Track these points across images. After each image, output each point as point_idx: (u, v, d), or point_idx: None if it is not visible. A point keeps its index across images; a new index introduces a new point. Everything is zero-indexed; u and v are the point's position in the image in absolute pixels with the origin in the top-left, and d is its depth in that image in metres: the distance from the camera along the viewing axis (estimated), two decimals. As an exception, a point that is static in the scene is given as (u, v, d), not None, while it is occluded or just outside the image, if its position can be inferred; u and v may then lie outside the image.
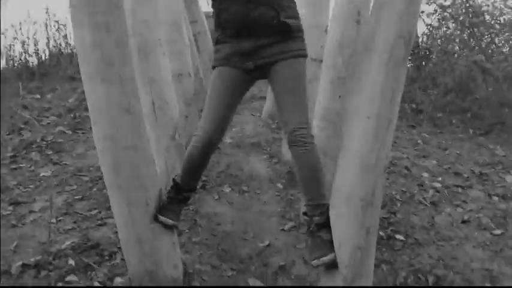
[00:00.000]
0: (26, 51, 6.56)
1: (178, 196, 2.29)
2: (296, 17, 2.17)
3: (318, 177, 2.10)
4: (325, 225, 2.05)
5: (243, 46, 2.11)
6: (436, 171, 4.00)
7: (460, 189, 3.67)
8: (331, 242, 2.01)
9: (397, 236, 2.98)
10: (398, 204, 3.38)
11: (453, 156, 4.41)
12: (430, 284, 2.54)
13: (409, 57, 1.98)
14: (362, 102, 1.91)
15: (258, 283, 2.48)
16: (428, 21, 7.41)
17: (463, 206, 3.41)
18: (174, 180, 2.31)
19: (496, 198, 3.51)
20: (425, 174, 3.92)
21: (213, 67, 2.22)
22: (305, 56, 2.19)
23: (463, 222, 3.18)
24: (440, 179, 3.84)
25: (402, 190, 3.59)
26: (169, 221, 2.22)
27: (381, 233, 2.90)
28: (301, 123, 2.08)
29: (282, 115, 2.15)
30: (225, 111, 2.17)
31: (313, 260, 2.04)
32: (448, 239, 2.98)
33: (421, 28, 7.25)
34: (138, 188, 2.10)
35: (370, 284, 2.08)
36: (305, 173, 2.11)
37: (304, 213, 2.16)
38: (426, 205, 3.39)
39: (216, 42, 2.20)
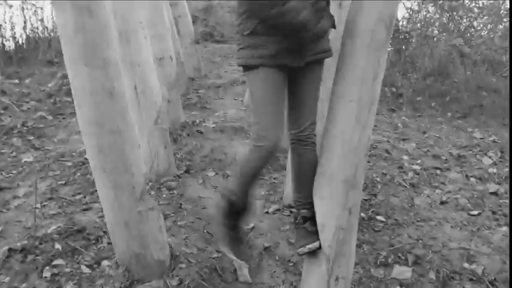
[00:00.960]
0: (2, 36, 6.41)
1: (234, 220, 2.11)
2: None
3: (313, 176, 2.10)
4: (311, 218, 2.10)
5: (291, 42, 1.94)
6: (415, 154, 4.08)
7: (438, 172, 3.75)
8: (316, 232, 2.05)
9: (378, 217, 3.05)
10: (379, 186, 3.45)
11: (432, 139, 4.50)
12: (410, 264, 2.61)
13: (389, 41, 2.00)
14: (345, 86, 1.94)
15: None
16: (408, 4, 7.47)
17: (442, 187, 3.50)
18: (223, 201, 2.09)
19: (473, 180, 3.60)
20: (405, 157, 4.00)
21: (255, 65, 1.97)
22: (331, 56, 2.14)
23: (442, 203, 3.26)
24: (419, 161, 3.92)
25: (383, 173, 3.66)
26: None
27: (362, 214, 2.97)
28: (312, 124, 2.12)
29: (296, 112, 2.12)
30: (282, 115, 2.05)
31: (299, 248, 2.08)
32: (427, 219, 3.06)
33: (401, 12, 7.31)
34: (123, 172, 2.11)
35: (352, 264, 2.14)
36: (304, 170, 2.14)
37: (291, 207, 2.16)
38: (406, 187, 3.47)
39: (252, 32, 1.94)
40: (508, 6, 7.26)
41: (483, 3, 7.57)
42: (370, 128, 1.98)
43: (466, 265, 2.60)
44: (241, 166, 2.14)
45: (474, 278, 2.50)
